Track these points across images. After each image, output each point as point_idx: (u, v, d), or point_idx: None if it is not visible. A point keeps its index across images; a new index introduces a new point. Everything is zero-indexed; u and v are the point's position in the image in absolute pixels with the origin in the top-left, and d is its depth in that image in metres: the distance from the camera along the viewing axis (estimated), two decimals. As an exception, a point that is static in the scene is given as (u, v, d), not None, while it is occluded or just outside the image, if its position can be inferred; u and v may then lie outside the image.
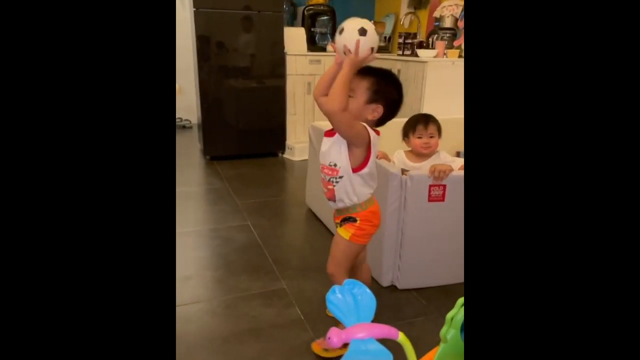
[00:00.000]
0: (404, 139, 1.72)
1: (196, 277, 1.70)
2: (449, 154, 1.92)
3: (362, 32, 1.05)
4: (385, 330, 0.52)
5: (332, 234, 2.05)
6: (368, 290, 0.55)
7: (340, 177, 1.14)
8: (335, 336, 0.49)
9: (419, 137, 1.66)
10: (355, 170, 1.13)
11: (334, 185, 1.16)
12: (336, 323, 1.17)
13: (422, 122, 1.66)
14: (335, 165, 1.15)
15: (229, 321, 1.43)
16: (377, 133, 1.15)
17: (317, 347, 1.30)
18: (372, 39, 1.07)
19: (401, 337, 0.53)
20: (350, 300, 0.53)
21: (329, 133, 1.16)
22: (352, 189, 1.15)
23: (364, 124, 1.10)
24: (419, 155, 1.69)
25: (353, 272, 1.32)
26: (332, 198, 1.19)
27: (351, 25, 1.07)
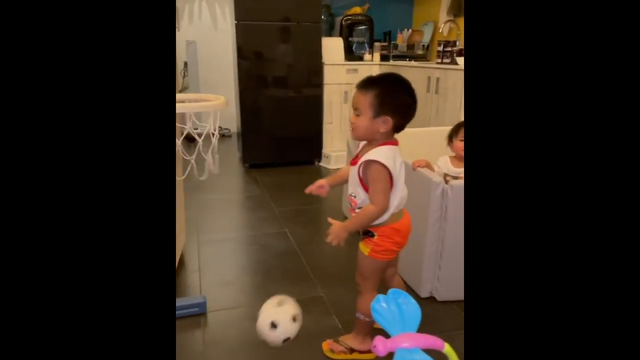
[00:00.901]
0: (448, 144, 1.70)
1: (236, 282, 1.74)
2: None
3: (273, 326, 1.01)
4: (431, 340, 0.52)
5: (369, 243, 2.05)
6: (413, 300, 0.55)
7: (359, 209, 1.14)
8: (380, 344, 0.50)
9: (461, 140, 1.65)
10: None
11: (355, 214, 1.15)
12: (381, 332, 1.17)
13: None
14: (354, 197, 1.14)
15: (267, 327, 1.45)
16: (395, 143, 1.12)
17: (325, 346, 1.33)
18: (285, 330, 1.02)
19: (447, 348, 0.53)
20: (395, 310, 0.53)
21: (354, 161, 1.14)
22: None
23: (386, 171, 1.06)
24: (461, 159, 1.68)
25: (383, 286, 1.30)
26: None
27: (262, 318, 1.03)
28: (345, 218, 2.37)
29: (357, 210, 1.15)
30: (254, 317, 1.51)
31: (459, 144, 1.65)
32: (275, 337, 0.98)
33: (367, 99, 1.07)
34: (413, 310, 0.53)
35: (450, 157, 1.72)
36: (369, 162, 1.08)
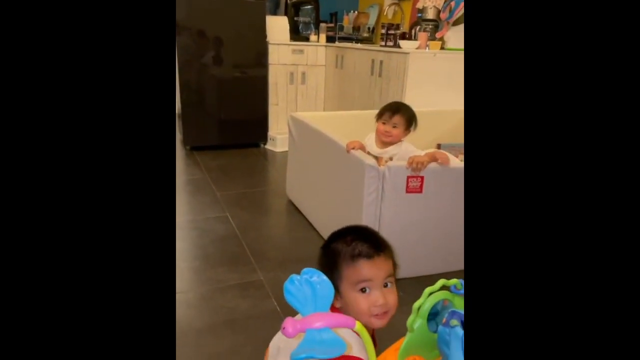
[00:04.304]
0: (376, 120, 1.75)
1: (172, 268, 1.68)
2: (431, 147, 1.94)
3: None
4: (342, 319, 0.51)
5: (312, 225, 2.04)
6: (326, 279, 0.54)
7: None
8: (290, 326, 0.48)
9: (383, 123, 1.70)
10: None
11: None
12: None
13: (390, 110, 1.70)
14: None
15: (204, 313, 1.42)
16: None
17: None
18: None
19: (358, 326, 0.53)
20: (307, 290, 0.52)
21: None
22: None
23: None
24: (380, 141, 1.73)
25: None
26: None
27: None
28: (290, 201, 2.37)
29: None
30: (189, 304, 1.47)
31: (380, 127, 1.70)
32: None
33: None
34: (326, 290, 0.52)
35: (375, 136, 1.77)
36: None
